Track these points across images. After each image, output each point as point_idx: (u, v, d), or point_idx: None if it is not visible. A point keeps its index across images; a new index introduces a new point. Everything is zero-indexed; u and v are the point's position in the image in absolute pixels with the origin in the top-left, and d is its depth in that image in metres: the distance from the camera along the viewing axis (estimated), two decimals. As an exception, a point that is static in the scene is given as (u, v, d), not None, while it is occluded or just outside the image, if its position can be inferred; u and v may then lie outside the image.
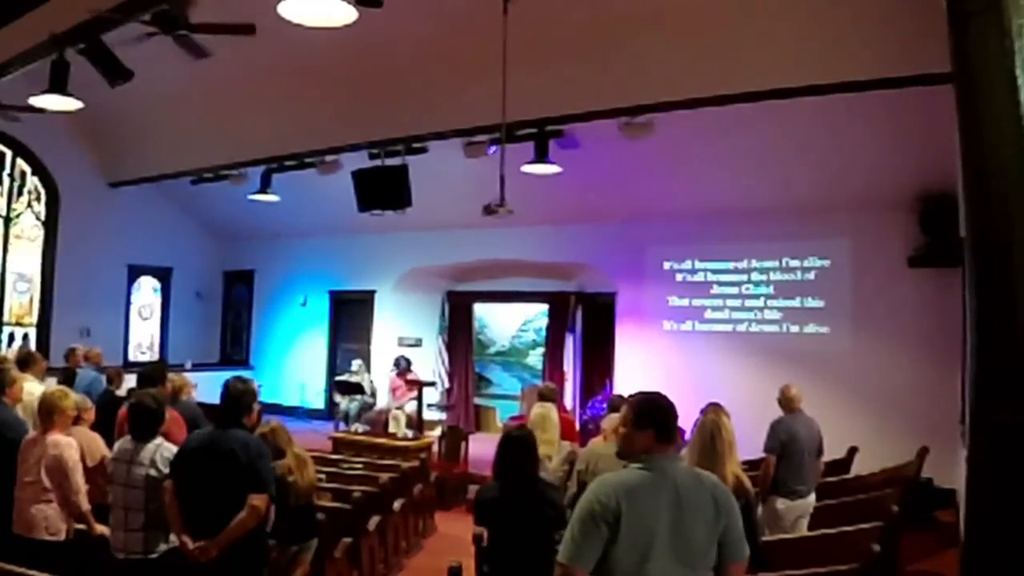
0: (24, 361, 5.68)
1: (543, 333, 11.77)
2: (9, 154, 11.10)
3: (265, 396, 10.98)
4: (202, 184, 10.89)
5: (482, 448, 8.07)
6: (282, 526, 4.06)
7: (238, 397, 3.61)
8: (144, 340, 13.01)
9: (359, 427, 9.18)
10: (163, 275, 13.12)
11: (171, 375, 5.73)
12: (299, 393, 12.71)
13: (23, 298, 11.41)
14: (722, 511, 2.32)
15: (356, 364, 10.35)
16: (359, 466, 6.87)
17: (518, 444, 3.73)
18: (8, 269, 11.17)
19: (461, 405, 11.77)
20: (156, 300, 13.17)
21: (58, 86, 6.25)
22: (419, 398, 9.06)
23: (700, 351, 9.40)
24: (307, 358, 12.94)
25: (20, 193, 11.30)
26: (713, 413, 3.67)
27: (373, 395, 10.08)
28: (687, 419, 5.10)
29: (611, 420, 4.70)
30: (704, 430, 3.58)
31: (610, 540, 2.21)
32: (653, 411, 2.41)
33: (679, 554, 2.25)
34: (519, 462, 3.69)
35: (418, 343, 11.73)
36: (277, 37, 6.07)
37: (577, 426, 8.41)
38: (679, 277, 9.77)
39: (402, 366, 9.88)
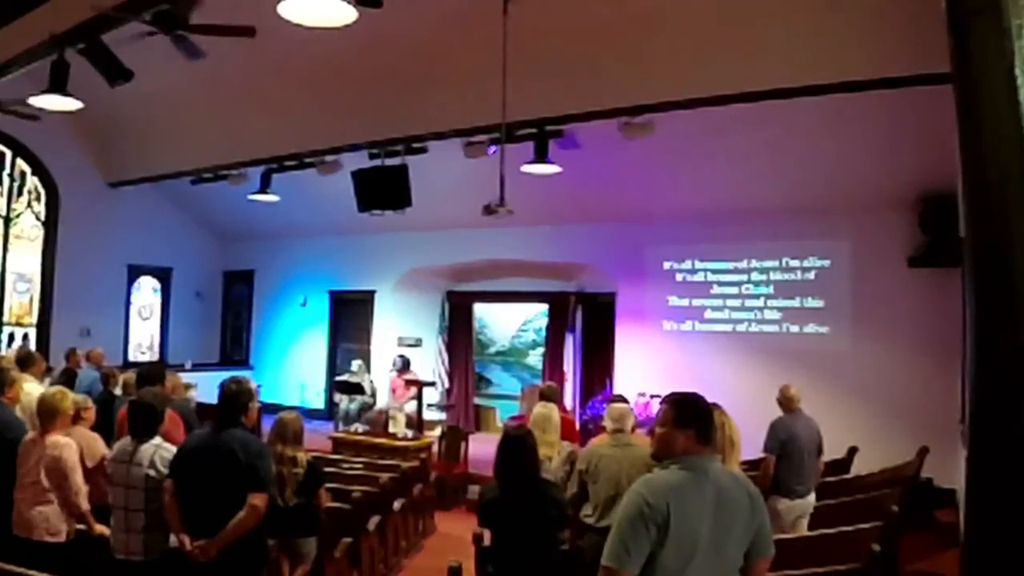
0: (24, 361, 5.68)
1: (543, 333, 11.77)
2: (9, 154, 11.11)
3: (265, 396, 10.98)
4: (202, 184, 10.90)
5: (482, 448, 8.07)
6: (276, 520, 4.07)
7: (233, 397, 3.61)
8: (144, 340, 13.02)
9: (359, 427, 9.18)
10: (163, 275, 13.12)
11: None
12: (299, 393, 12.71)
13: (23, 298, 11.42)
14: (757, 508, 2.35)
15: (356, 364, 10.35)
16: (359, 466, 6.87)
17: (518, 443, 3.73)
18: (8, 269, 11.17)
19: (461, 405, 11.77)
20: (156, 300, 13.17)
21: (58, 86, 6.25)
22: (419, 398, 9.06)
23: (700, 351, 9.39)
24: (307, 358, 12.94)
25: (20, 193, 11.31)
26: (717, 413, 3.66)
27: (373, 395, 10.08)
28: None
29: (607, 417, 4.70)
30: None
31: (657, 543, 2.18)
32: (695, 411, 2.40)
33: (718, 553, 2.26)
34: (519, 461, 3.69)
35: (418, 343, 11.73)
36: (277, 37, 6.08)
37: (577, 426, 8.40)
38: (679, 277, 9.77)
39: (399, 366, 9.88)
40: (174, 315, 13.29)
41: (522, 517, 3.57)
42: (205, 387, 7.11)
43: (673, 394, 2.53)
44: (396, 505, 5.89)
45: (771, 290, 9.15)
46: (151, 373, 5.52)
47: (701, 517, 2.23)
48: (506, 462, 3.71)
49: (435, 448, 8.66)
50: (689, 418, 2.36)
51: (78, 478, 3.93)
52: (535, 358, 12.65)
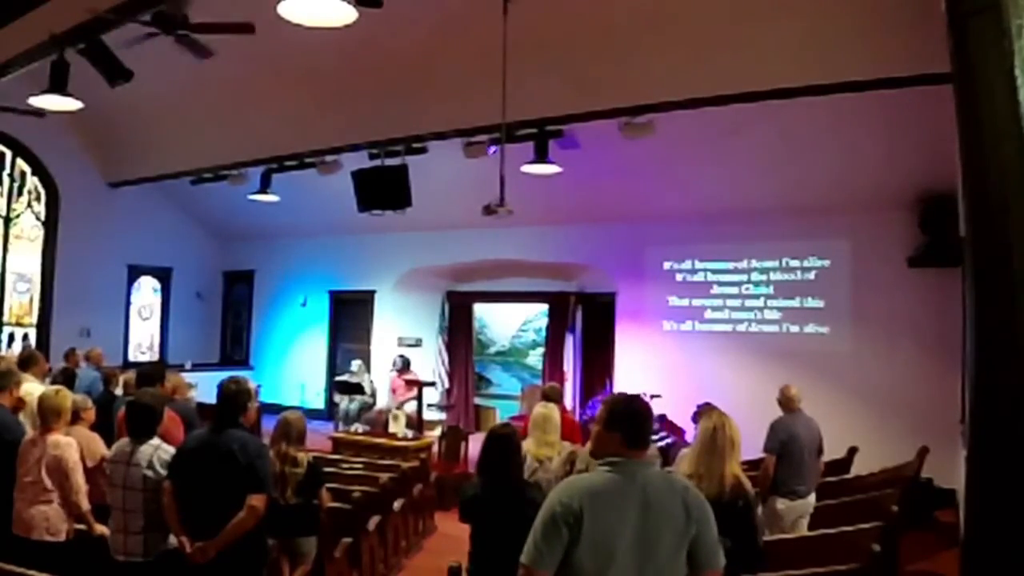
0: (26, 361, 5.66)
1: (543, 333, 11.77)
2: (9, 154, 11.11)
3: (265, 396, 10.98)
4: (202, 184, 10.90)
5: (482, 448, 8.06)
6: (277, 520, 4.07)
7: (232, 397, 3.61)
8: (144, 340, 13.02)
9: (359, 427, 9.18)
10: (163, 275, 13.12)
11: (167, 375, 5.71)
12: (299, 393, 12.71)
13: (23, 298, 11.42)
14: (693, 518, 2.24)
15: (356, 364, 10.35)
16: (359, 466, 6.87)
17: (502, 442, 3.73)
18: (8, 269, 11.17)
19: (461, 405, 11.77)
20: (156, 300, 13.17)
21: (58, 86, 6.25)
22: (419, 398, 9.06)
23: (700, 351, 9.40)
24: (307, 358, 12.95)
25: (20, 193, 11.31)
26: (717, 414, 3.67)
27: (373, 395, 10.08)
28: (687, 419, 5.12)
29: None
30: (706, 429, 3.58)
31: (571, 543, 2.17)
32: (624, 415, 2.34)
33: (644, 560, 2.19)
34: (500, 461, 3.68)
35: (418, 343, 11.74)
36: (277, 37, 6.07)
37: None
38: (679, 277, 9.77)
39: (399, 366, 9.88)
40: (174, 315, 13.28)
41: (501, 516, 3.56)
42: (205, 387, 7.11)
43: (613, 395, 2.51)
44: (396, 505, 5.88)
45: (771, 290, 9.15)
46: (151, 373, 5.50)
47: (620, 521, 2.18)
48: (489, 461, 3.71)
49: (435, 448, 8.66)
50: (617, 421, 2.32)
51: (79, 477, 3.93)
52: (535, 358, 12.65)
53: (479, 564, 3.63)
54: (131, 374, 6.08)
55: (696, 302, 9.62)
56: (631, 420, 2.33)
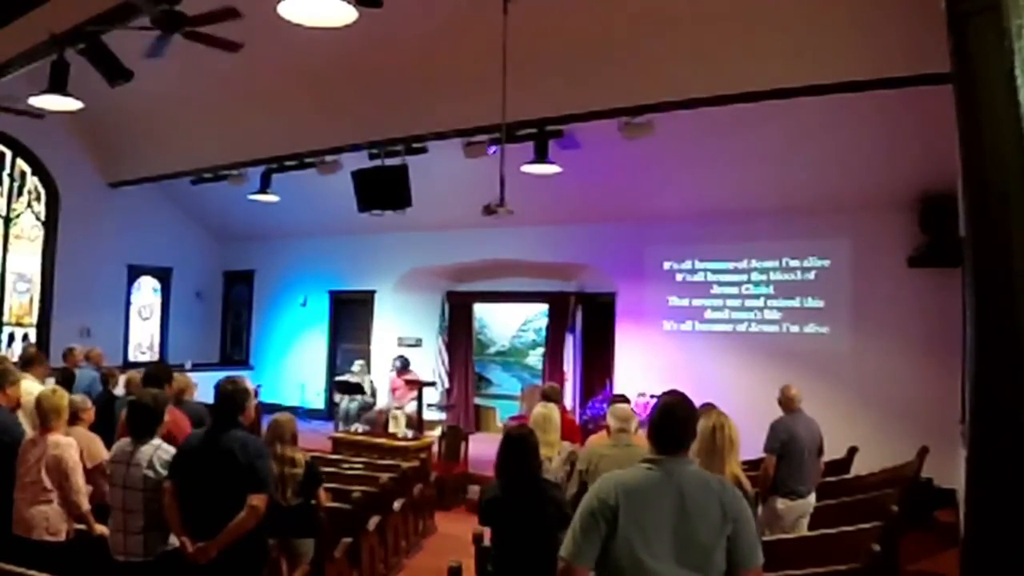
0: (28, 361, 5.65)
1: (543, 333, 11.77)
2: (9, 154, 11.10)
3: (265, 396, 11.01)
4: (202, 184, 10.89)
5: (482, 448, 8.08)
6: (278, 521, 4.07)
7: (230, 397, 3.62)
8: (144, 340, 13.01)
9: (359, 427, 9.18)
10: (163, 275, 13.12)
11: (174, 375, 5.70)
12: (299, 393, 12.72)
13: (23, 298, 11.41)
14: (729, 516, 2.28)
15: (358, 364, 10.35)
16: (359, 466, 6.87)
17: (519, 443, 3.73)
18: (8, 269, 11.16)
19: (461, 405, 11.77)
20: (156, 300, 13.17)
21: (58, 86, 6.24)
22: (419, 398, 9.06)
23: (700, 351, 9.39)
24: (307, 358, 12.94)
25: (20, 193, 11.30)
26: (716, 413, 3.67)
27: (373, 395, 10.08)
28: (687, 419, 5.10)
29: (612, 417, 4.69)
30: (706, 429, 3.59)
31: (608, 536, 2.24)
32: (655, 423, 2.44)
33: (682, 557, 2.23)
34: (520, 461, 3.69)
35: (418, 343, 11.73)
36: (277, 37, 6.08)
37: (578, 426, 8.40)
38: (679, 277, 9.77)
39: (399, 366, 9.88)
40: (174, 315, 13.28)
41: (522, 517, 3.57)
42: (205, 387, 7.11)
43: (664, 394, 2.58)
44: (396, 505, 5.89)
45: (771, 290, 9.14)
46: (157, 374, 5.46)
47: (656, 517, 2.24)
48: (507, 461, 3.72)
49: (435, 448, 8.66)
50: (651, 428, 2.45)
51: (79, 478, 3.93)
52: (535, 358, 12.65)
53: (503, 565, 3.64)
54: (133, 373, 6.07)
55: (696, 302, 9.62)
56: (660, 428, 2.43)
